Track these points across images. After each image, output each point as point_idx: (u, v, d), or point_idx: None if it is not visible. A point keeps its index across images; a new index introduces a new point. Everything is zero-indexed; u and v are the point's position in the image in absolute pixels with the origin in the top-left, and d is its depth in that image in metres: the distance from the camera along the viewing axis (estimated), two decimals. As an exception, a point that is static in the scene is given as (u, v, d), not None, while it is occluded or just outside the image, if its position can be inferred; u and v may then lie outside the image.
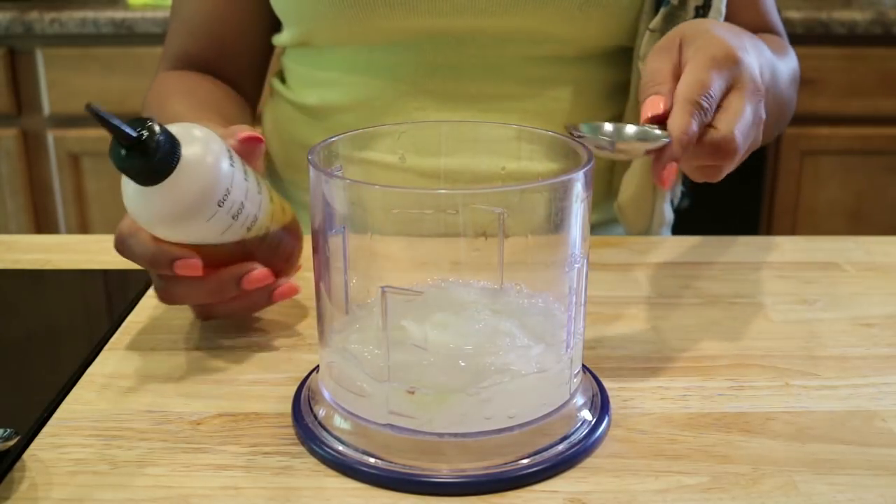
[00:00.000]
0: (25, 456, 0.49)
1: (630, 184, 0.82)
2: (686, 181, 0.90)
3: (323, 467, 0.48)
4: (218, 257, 0.57)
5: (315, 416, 0.51)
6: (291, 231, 0.62)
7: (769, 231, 1.94)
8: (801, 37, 1.81)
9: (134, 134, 0.50)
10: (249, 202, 0.56)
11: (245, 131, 0.59)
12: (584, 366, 0.53)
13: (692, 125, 0.55)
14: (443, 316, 0.51)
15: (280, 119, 0.90)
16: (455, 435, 0.47)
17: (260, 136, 0.60)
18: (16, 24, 1.83)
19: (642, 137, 0.55)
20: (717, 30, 0.61)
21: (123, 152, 0.51)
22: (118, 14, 1.83)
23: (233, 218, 0.55)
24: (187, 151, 0.52)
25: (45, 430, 0.51)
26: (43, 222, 1.98)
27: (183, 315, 0.65)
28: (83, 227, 1.97)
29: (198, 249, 0.55)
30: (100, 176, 1.95)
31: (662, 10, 0.76)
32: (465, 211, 0.46)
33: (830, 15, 1.82)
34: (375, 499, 0.46)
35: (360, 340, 0.50)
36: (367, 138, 0.55)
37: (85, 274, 0.73)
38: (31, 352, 0.61)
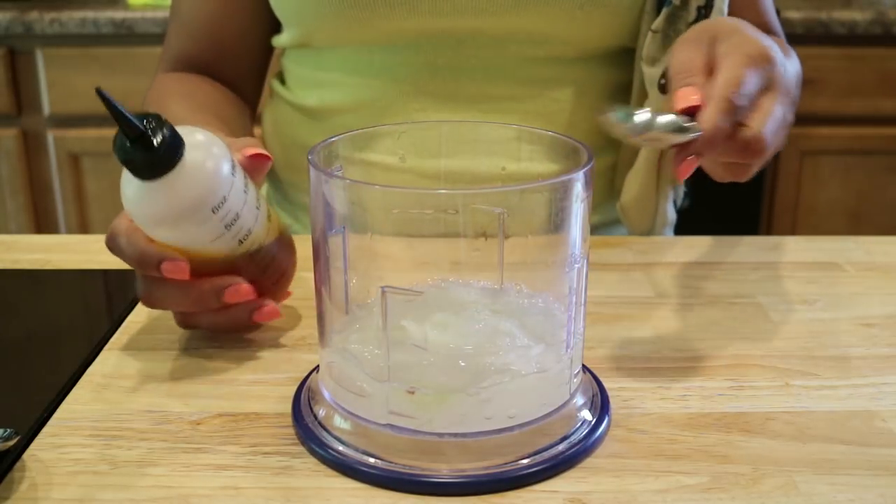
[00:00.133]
0: (25, 456, 0.49)
1: (633, 184, 0.82)
2: (687, 181, 0.90)
3: (323, 467, 0.48)
4: (207, 267, 0.56)
5: (315, 416, 0.51)
6: (285, 252, 0.62)
7: (769, 231, 1.94)
8: (801, 37, 1.81)
9: (140, 125, 0.50)
10: (245, 215, 0.56)
11: (253, 148, 0.59)
12: (584, 366, 0.53)
13: (725, 123, 0.54)
14: (443, 316, 0.51)
15: (280, 120, 0.90)
16: (455, 435, 0.47)
17: (267, 154, 0.60)
18: (16, 24, 1.83)
19: (675, 129, 0.54)
20: (748, 29, 0.61)
21: (127, 143, 0.50)
22: (118, 14, 1.83)
23: (226, 227, 0.55)
24: (190, 152, 0.52)
25: (45, 430, 0.51)
26: (43, 222, 1.98)
27: (183, 315, 0.65)
28: (83, 227, 1.97)
29: (188, 256, 0.55)
30: (100, 176, 1.95)
31: (665, 11, 0.76)
32: (466, 211, 0.46)
33: (830, 15, 1.82)
34: (375, 499, 0.46)
35: (360, 340, 0.50)
36: (367, 139, 0.55)
37: (85, 274, 0.73)
38: (31, 352, 0.61)
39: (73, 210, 1.96)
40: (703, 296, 0.68)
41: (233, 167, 0.55)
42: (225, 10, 0.85)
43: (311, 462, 0.48)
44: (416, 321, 0.49)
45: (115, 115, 0.49)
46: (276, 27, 0.86)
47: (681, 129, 0.54)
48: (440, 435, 0.47)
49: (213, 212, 0.54)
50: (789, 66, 0.70)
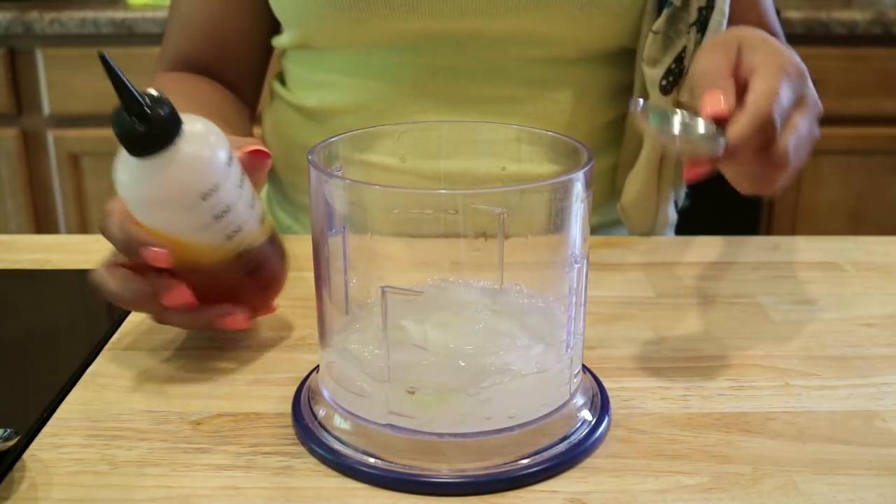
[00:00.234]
0: (25, 456, 0.49)
1: (633, 185, 0.82)
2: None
3: (323, 467, 0.48)
4: (192, 259, 0.55)
5: (315, 416, 0.51)
6: (277, 258, 0.60)
7: (769, 231, 1.94)
8: (801, 37, 1.81)
9: (140, 98, 0.49)
10: (238, 211, 0.55)
11: (254, 145, 0.58)
12: (584, 366, 0.53)
13: (754, 138, 0.54)
14: (443, 316, 0.51)
15: (280, 121, 0.90)
16: (455, 435, 0.47)
17: (267, 151, 0.59)
18: (16, 24, 1.83)
19: (705, 135, 0.54)
20: (773, 40, 0.60)
21: (125, 116, 0.50)
22: (118, 14, 1.83)
23: (215, 218, 0.54)
24: (187, 135, 0.52)
25: (45, 430, 0.51)
26: (43, 222, 1.98)
27: (183, 315, 0.65)
28: (83, 227, 1.97)
29: (174, 246, 0.54)
30: (100, 176, 1.95)
31: (665, 12, 0.76)
32: (466, 211, 0.46)
33: (830, 15, 1.81)
34: (375, 499, 0.46)
35: (360, 340, 0.50)
36: (367, 139, 0.55)
37: (85, 274, 0.72)
38: (31, 352, 0.61)
39: (73, 210, 1.96)
40: (703, 296, 0.68)
41: (230, 159, 0.54)
42: (225, 11, 0.85)
43: (311, 462, 0.48)
44: (416, 321, 0.49)
45: (116, 83, 0.49)
46: (276, 28, 0.86)
47: (709, 139, 0.53)
48: (440, 435, 0.47)
49: (203, 199, 0.52)
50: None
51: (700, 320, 0.64)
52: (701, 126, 0.54)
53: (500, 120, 0.80)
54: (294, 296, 0.66)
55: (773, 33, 0.87)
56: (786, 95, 0.55)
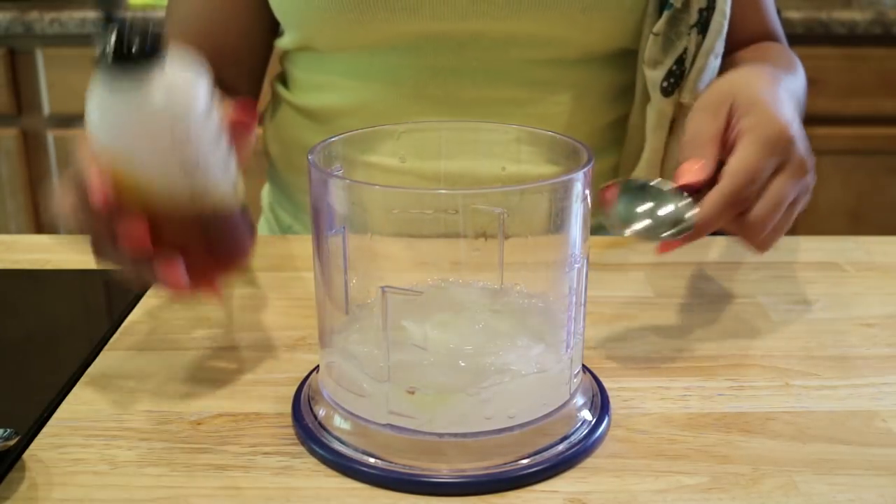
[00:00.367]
0: (25, 456, 0.49)
1: None
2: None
3: (323, 467, 0.48)
4: (153, 209, 0.51)
5: (315, 416, 0.51)
6: (240, 234, 0.56)
7: (769, 231, 1.94)
8: (801, 37, 1.81)
9: (123, 16, 0.48)
10: (206, 166, 0.51)
11: (238, 114, 0.55)
12: (584, 366, 0.53)
13: (721, 216, 0.56)
14: (443, 316, 0.51)
15: (281, 122, 0.90)
16: (455, 435, 0.47)
17: (252, 118, 0.55)
18: (16, 24, 1.83)
19: (672, 227, 0.56)
20: (767, 93, 0.61)
21: (108, 33, 0.47)
22: (118, 14, 1.83)
23: (179, 165, 0.50)
24: (170, 69, 0.49)
25: (45, 430, 0.51)
26: (43, 222, 1.98)
27: (183, 315, 0.65)
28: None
29: (135, 191, 0.50)
30: (100, 176, 1.95)
31: (666, 13, 0.76)
32: (466, 211, 0.46)
33: (830, 15, 1.81)
34: (375, 499, 0.46)
35: (360, 340, 0.50)
36: (366, 139, 0.55)
37: (85, 274, 0.73)
38: (31, 352, 0.61)
39: (73, 210, 1.96)
40: (703, 296, 0.68)
41: (210, 110, 0.51)
42: (226, 12, 0.84)
43: (311, 462, 0.48)
44: (416, 321, 0.49)
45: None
46: (275, 28, 0.86)
47: (681, 221, 0.56)
48: (440, 435, 0.47)
49: (172, 139, 0.49)
50: (800, 98, 0.71)
51: (700, 320, 0.64)
52: (669, 208, 0.56)
53: (500, 121, 0.80)
54: (294, 296, 0.66)
55: (774, 35, 0.87)
56: (764, 168, 0.57)
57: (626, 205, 0.57)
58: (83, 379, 0.57)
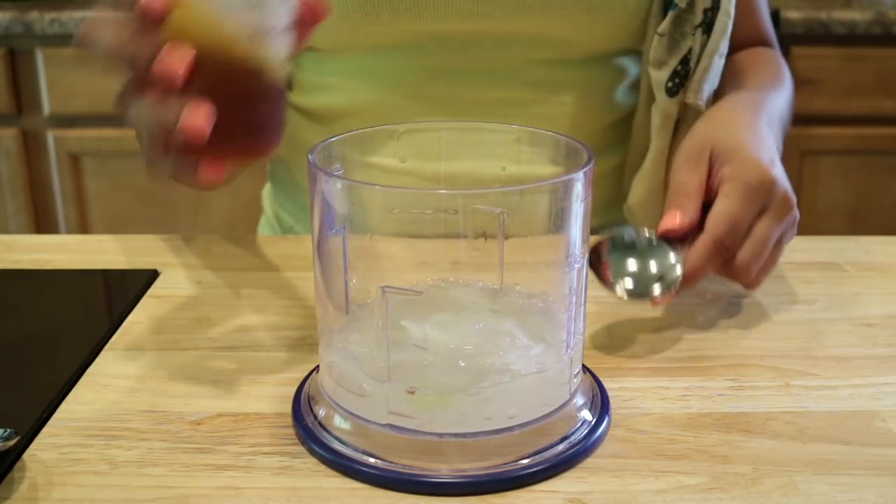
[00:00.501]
0: (25, 456, 0.49)
1: (640, 186, 0.82)
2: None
3: (323, 467, 0.48)
4: (204, 42, 0.48)
5: (315, 416, 0.51)
6: (276, 107, 0.53)
7: (769, 231, 1.94)
8: (801, 37, 1.81)
9: None
10: (271, 21, 0.49)
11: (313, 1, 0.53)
12: (584, 366, 0.53)
13: (706, 267, 0.60)
14: (443, 316, 0.51)
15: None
16: (455, 435, 0.47)
17: (320, 14, 0.53)
18: (16, 24, 1.83)
19: (658, 283, 0.59)
20: (746, 136, 0.64)
21: None
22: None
23: (248, 7, 0.48)
24: None
25: (45, 430, 0.51)
26: (43, 222, 1.98)
27: (183, 315, 0.65)
28: (83, 227, 1.97)
29: (195, 24, 0.48)
30: (100, 176, 1.95)
31: (671, 14, 0.76)
32: (466, 211, 0.46)
33: (830, 15, 1.82)
34: (375, 499, 0.46)
35: (360, 340, 0.50)
36: (366, 140, 0.55)
37: (85, 274, 0.73)
38: (31, 352, 0.61)
39: (73, 210, 1.96)
40: (703, 296, 0.68)
41: None
42: None
43: (311, 462, 0.48)
44: (416, 321, 0.49)
45: None
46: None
47: (665, 276, 0.60)
48: (440, 435, 0.47)
49: None
50: (784, 117, 0.76)
51: (700, 320, 0.64)
52: (656, 264, 0.60)
53: (503, 122, 0.80)
54: (294, 296, 0.66)
55: (767, 40, 0.88)
56: (745, 214, 0.60)
57: (616, 262, 0.60)
58: (83, 379, 0.57)
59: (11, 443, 0.47)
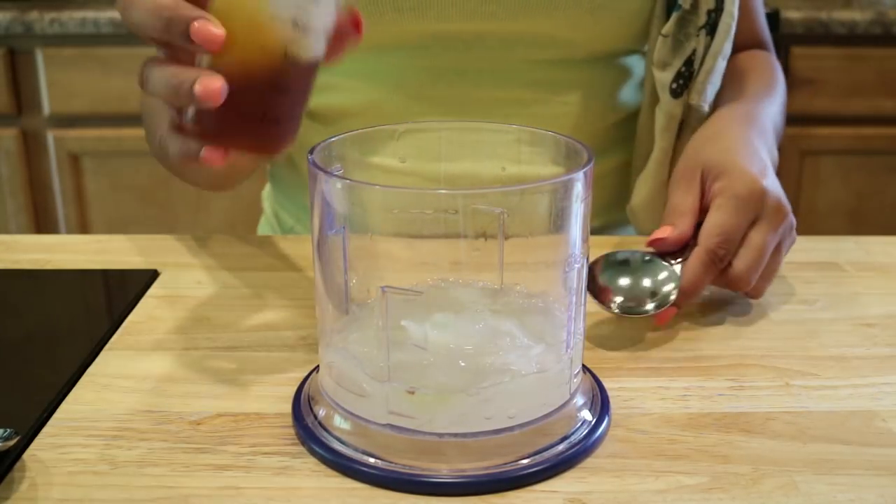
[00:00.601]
0: (25, 456, 0.49)
1: (643, 187, 0.82)
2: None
3: (323, 467, 0.48)
4: (243, 35, 0.48)
5: (315, 416, 0.51)
6: (288, 107, 0.52)
7: (769, 231, 1.94)
8: (801, 37, 1.81)
9: None
10: (312, 17, 0.49)
11: (352, 15, 0.53)
12: (584, 366, 0.53)
13: (703, 279, 0.61)
14: (443, 316, 0.51)
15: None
16: (455, 435, 0.47)
17: (358, 30, 0.53)
18: (16, 24, 1.83)
19: (652, 288, 0.62)
20: (736, 150, 0.65)
21: None
22: (118, 14, 1.82)
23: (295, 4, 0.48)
24: None
25: (45, 430, 0.51)
26: (43, 222, 1.98)
27: (183, 315, 0.65)
28: (83, 227, 1.97)
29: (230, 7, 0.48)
30: (100, 176, 1.95)
31: (675, 15, 0.76)
32: (466, 211, 0.46)
33: (830, 15, 1.81)
34: (375, 499, 0.46)
35: (360, 340, 0.50)
36: (366, 140, 0.55)
37: (85, 274, 0.73)
38: (31, 352, 0.61)
39: (73, 210, 1.96)
40: (704, 296, 0.68)
41: None
42: None
43: (311, 462, 0.48)
44: (416, 321, 0.49)
45: None
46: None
47: (658, 293, 0.61)
48: (440, 435, 0.47)
49: None
50: (777, 125, 0.77)
51: (700, 320, 0.64)
52: (650, 279, 0.62)
53: (506, 122, 0.80)
54: (294, 296, 0.66)
55: (763, 42, 0.88)
56: (737, 224, 0.61)
57: (609, 280, 0.62)
58: (83, 379, 0.57)
59: (11, 443, 0.47)
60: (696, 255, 0.61)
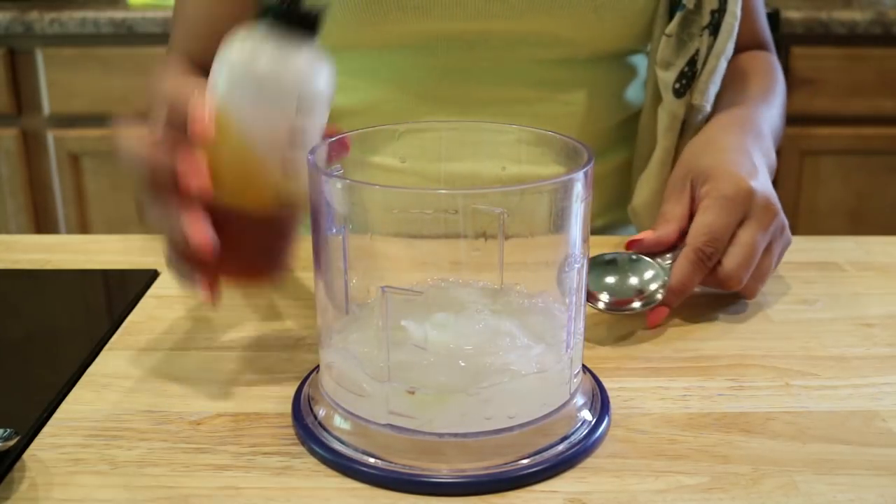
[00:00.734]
0: (25, 456, 0.49)
1: (644, 188, 0.82)
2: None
3: (323, 467, 0.48)
4: (238, 173, 0.51)
5: (315, 416, 0.51)
6: (285, 240, 0.56)
7: (769, 231, 1.94)
8: (801, 37, 1.81)
9: None
10: (297, 169, 0.51)
11: (338, 136, 0.54)
12: (584, 366, 0.53)
13: (692, 278, 0.62)
14: (443, 316, 0.51)
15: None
16: (455, 435, 0.47)
17: (344, 151, 0.54)
18: (16, 24, 1.83)
19: (638, 286, 0.62)
20: (725, 155, 0.66)
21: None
22: (118, 14, 1.83)
23: (284, 136, 0.51)
24: (316, 50, 0.51)
25: (45, 430, 0.51)
26: (43, 222, 1.98)
27: (183, 315, 0.65)
28: (83, 227, 1.97)
29: (229, 151, 0.51)
30: (100, 176, 1.95)
31: (678, 15, 0.76)
32: (466, 211, 0.46)
33: (830, 15, 1.81)
34: (375, 499, 0.46)
35: (360, 340, 0.50)
36: (367, 139, 0.55)
37: (85, 274, 0.73)
38: (31, 352, 0.61)
39: (73, 210, 1.96)
40: (704, 296, 0.68)
41: (326, 108, 0.52)
42: (232, 12, 0.84)
43: (311, 462, 0.48)
44: (416, 321, 0.49)
45: None
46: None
47: (644, 291, 0.62)
48: (440, 435, 0.47)
49: (292, 109, 0.51)
50: (775, 126, 0.77)
51: (700, 320, 0.64)
52: (636, 278, 0.63)
53: (510, 121, 0.80)
54: (294, 296, 0.66)
55: (764, 43, 0.88)
56: (725, 224, 0.62)
57: (595, 278, 0.62)
58: (83, 379, 0.57)
59: (11, 443, 0.47)
60: (685, 254, 0.62)
